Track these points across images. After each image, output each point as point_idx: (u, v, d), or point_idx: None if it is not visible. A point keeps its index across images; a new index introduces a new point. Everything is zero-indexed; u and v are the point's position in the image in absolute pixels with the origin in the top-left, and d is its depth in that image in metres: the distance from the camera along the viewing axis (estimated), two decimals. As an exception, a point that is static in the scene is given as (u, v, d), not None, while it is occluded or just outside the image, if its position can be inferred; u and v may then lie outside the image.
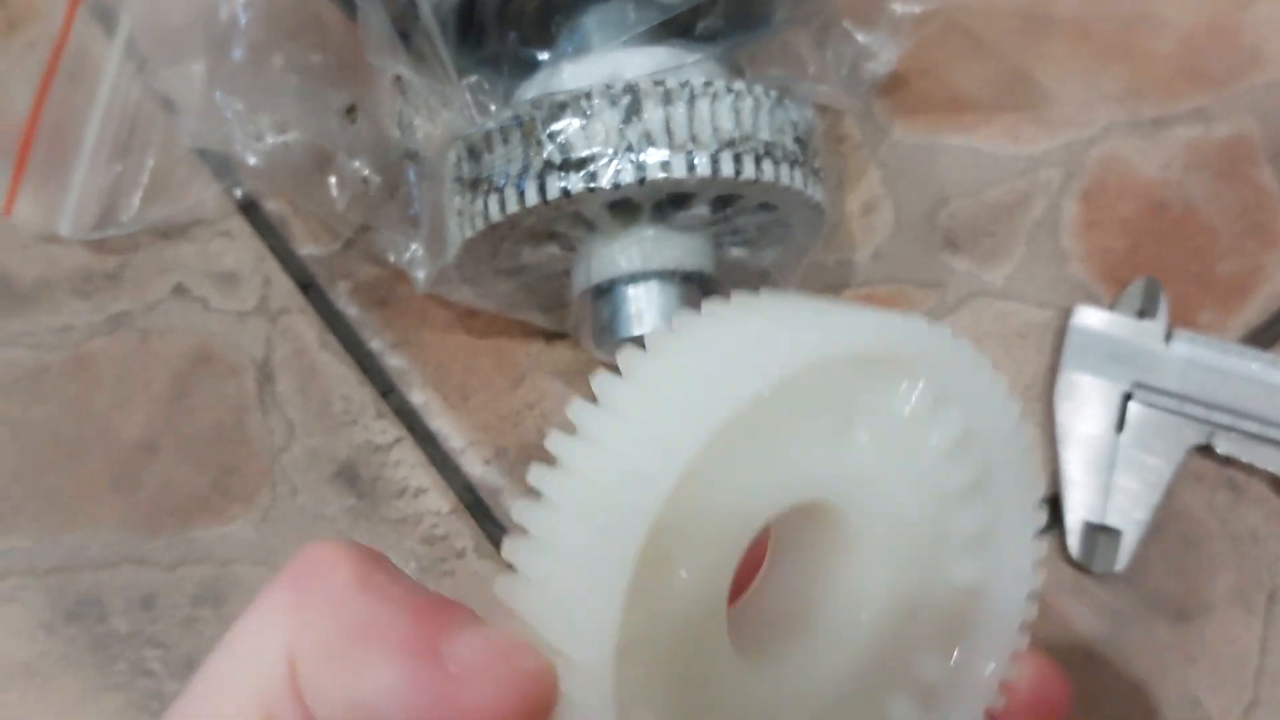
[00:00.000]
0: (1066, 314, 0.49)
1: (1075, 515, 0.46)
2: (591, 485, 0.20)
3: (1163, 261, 0.50)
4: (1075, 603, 0.45)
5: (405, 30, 0.40)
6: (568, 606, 0.20)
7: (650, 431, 0.20)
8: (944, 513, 0.24)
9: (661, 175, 0.37)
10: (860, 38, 0.47)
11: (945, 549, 0.24)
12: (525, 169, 0.38)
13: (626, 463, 0.20)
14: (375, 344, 0.48)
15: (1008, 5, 0.54)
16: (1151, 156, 0.52)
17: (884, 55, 0.47)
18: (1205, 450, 0.47)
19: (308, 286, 0.49)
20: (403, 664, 0.20)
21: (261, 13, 0.44)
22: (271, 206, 0.50)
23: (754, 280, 0.45)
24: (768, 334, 0.22)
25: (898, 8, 0.46)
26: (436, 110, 0.41)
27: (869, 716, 0.24)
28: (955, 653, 0.24)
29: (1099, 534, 0.45)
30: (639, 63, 0.40)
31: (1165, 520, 0.46)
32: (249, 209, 0.50)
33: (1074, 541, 0.45)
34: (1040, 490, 0.24)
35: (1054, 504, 0.46)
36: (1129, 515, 0.46)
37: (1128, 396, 0.47)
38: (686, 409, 0.20)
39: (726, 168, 0.38)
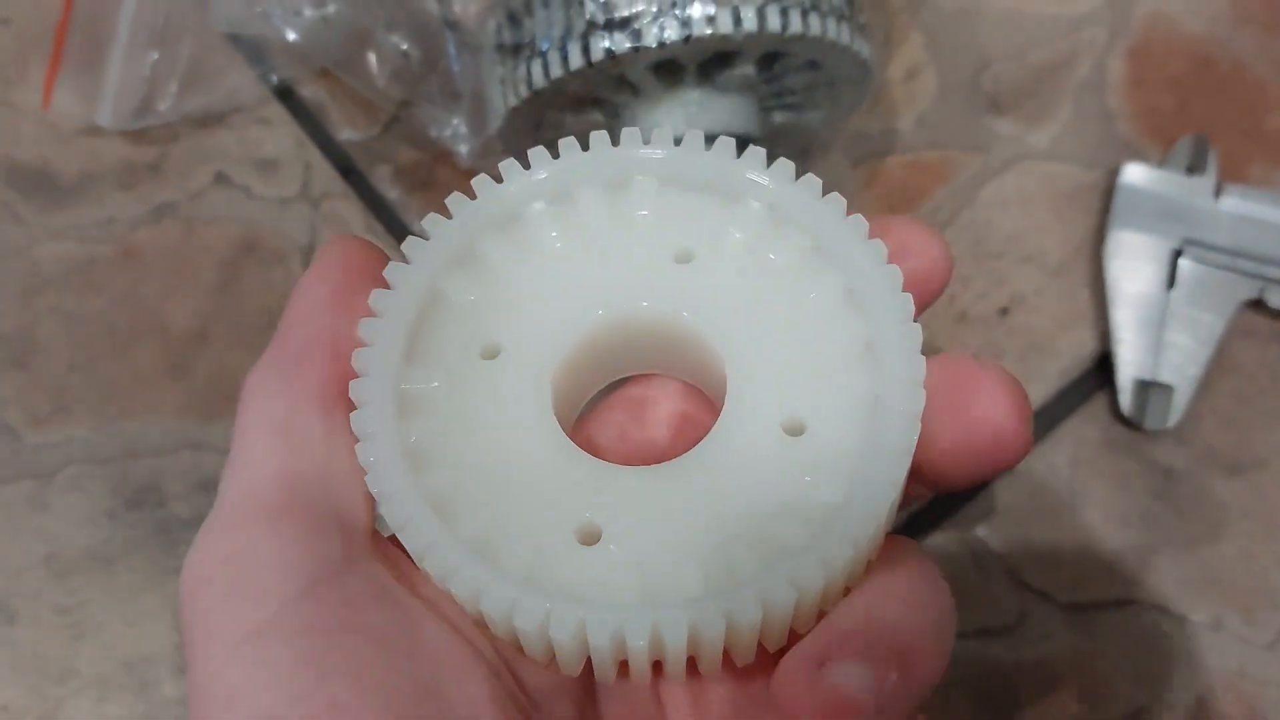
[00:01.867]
0: (1114, 174, 0.48)
1: (1127, 373, 0.46)
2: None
3: (1211, 117, 0.50)
4: (1128, 459, 0.45)
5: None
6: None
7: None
8: (820, 328, 0.24)
9: (707, 31, 0.37)
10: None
11: (827, 364, 0.24)
12: (568, 31, 0.38)
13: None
14: (418, 226, 0.48)
15: None
16: (1198, 12, 0.51)
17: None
18: (1257, 305, 0.47)
19: (348, 171, 0.49)
20: None
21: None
22: (308, 92, 0.50)
23: (798, 142, 0.45)
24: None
25: None
26: (476, -24, 0.40)
27: (751, 538, 0.23)
28: (832, 489, 0.23)
29: (1151, 390, 0.45)
30: (680, -80, 0.39)
31: (1217, 375, 0.46)
32: (285, 95, 0.50)
33: (1126, 399, 0.45)
34: (910, 307, 0.23)
35: (1105, 362, 0.46)
36: (1181, 371, 0.46)
37: (1178, 253, 0.47)
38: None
39: (773, 21, 0.37)
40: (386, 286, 0.24)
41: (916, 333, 0.23)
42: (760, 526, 0.23)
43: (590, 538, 0.23)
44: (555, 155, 0.25)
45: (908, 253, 0.24)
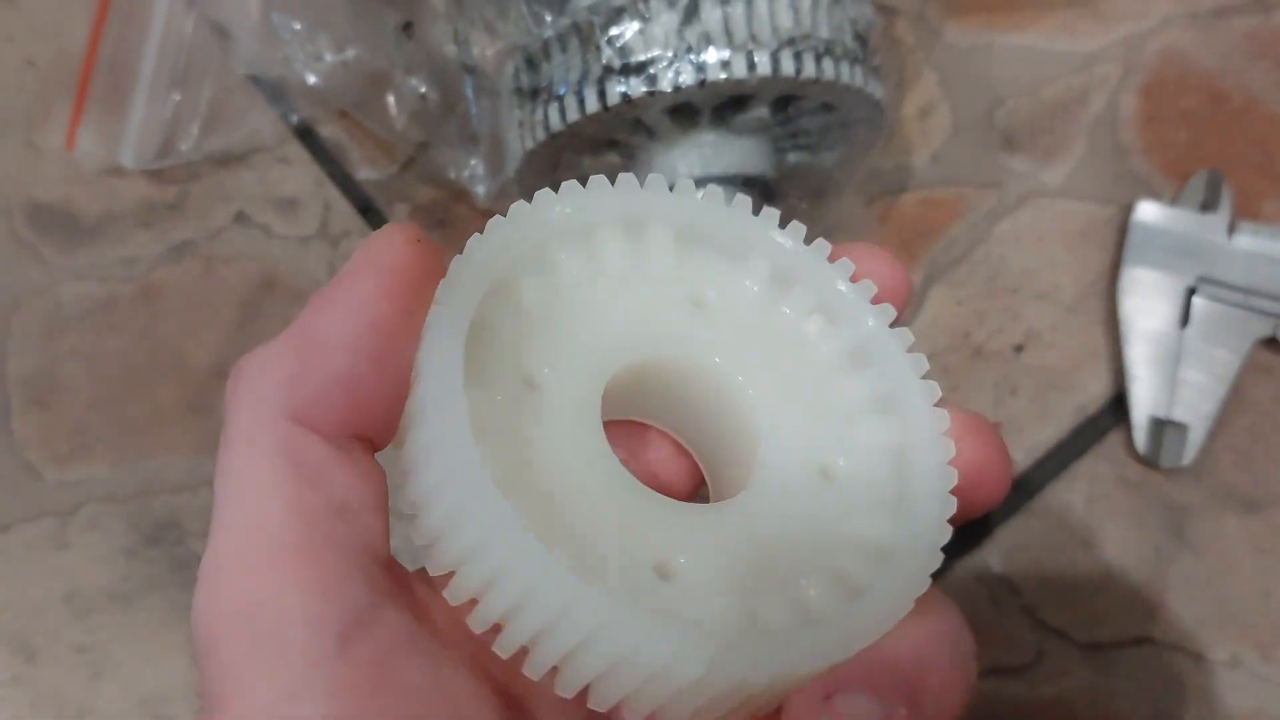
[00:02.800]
0: (1128, 210, 0.48)
1: (1141, 410, 0.46)
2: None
3: (1225, 153, 0.50)
4: (1144, 497, 0.45)
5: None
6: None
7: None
8: (833, 381, 0.26)
9: (722, 75, 0.37)
10: (913, -65, 0.46)
11: (845, 414, 0.25)
12: (585, 75, 0.38)
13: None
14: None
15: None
16: (1210, 48, 0.51)
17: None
18: (1271, 342, 0.47)
19: (367, 210, 0.50)
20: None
21: (314, -67, 0.44)
22: (327, 132, 0.51)
23: (816, 181, 0.45)
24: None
25: (951, -97, 0.46)
26: (493, 23, 0.41)
27: (815, 568, 0.24)
28: (878, 526, 0.24)
29: (1166, 428, 0.45)
30: (694, -35, 0.40)
31: (1232, 413, 0.46)
32: (305, 135, 0.51)
33: (1140, 437, 0.45)
34: (924, 365, 0.25)
35: (1120, 399, 0.46)
36: (1195, 409, 0.46)
37: (1192, 290, 0.47)
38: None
39: (787, 66, 0.38)
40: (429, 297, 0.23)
41: (935, 388, 0.25)
42: (818, 560, 0.24)
43: (666, 573, 0.23)
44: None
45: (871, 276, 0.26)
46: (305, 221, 0.50)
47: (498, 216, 0.25)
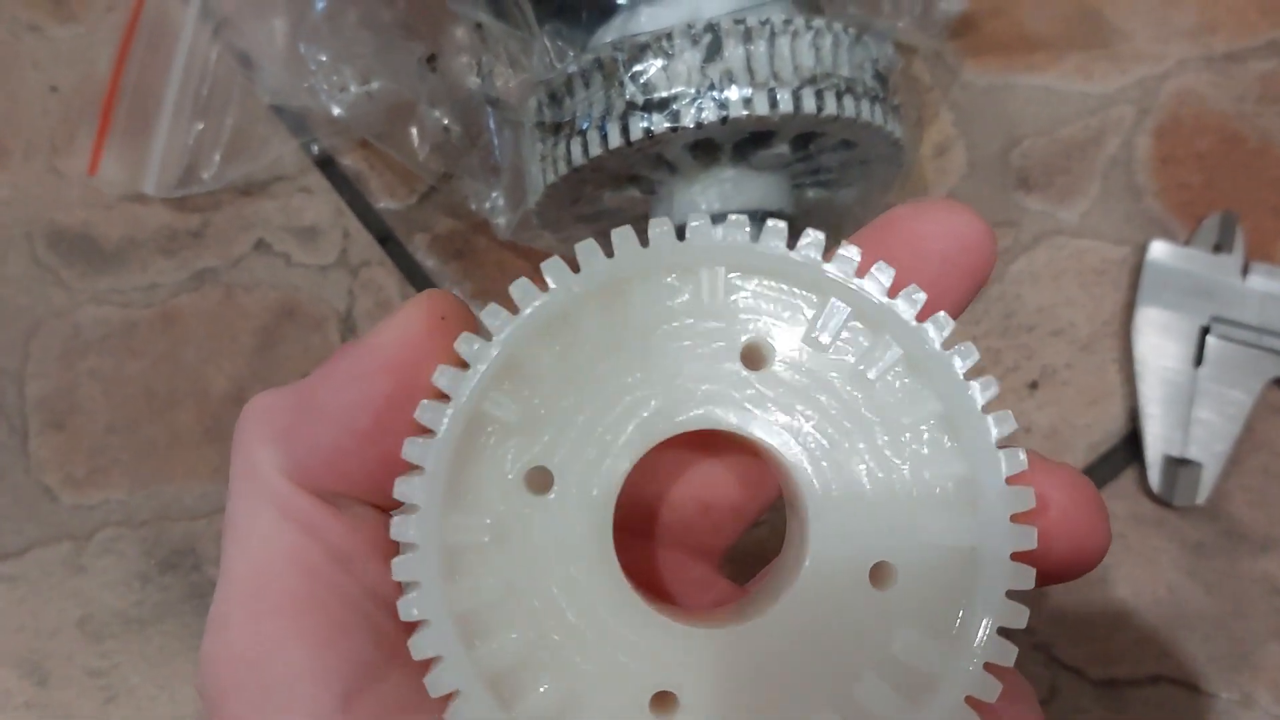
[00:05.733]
0: (1142, 250, 0.49)
1: (1155, 449, 0.46)
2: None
3: (1239, 195, 0.50)
4: (1157, 536, 0.45)
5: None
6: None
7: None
8: (908, 459, 0.22)
9: (744, 112, 0.38)
10: (933, -24, 0.47)
11: (918, 501, 0.22)
12: (608, 111, 0.39)
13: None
14: (454, 294, 0.49)
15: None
16: (1225, 90, 0.52)
17: (957, -7, 0.47)
18: (1285, 382, 0.47)
19: (386, 239, 0.50)
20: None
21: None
22: (348, 162, 0.51)
23: (834, 219, 0.45)
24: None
25: (970, -54, 0.46)
26: (516, 57, 0.41)
27: (833, 698, 0.22)
28: (938, 627, 0.22)
29: (1179, 467, 0.46)
30: (717, 2, 0.40)
31: (1245, 452, 0.46)
32: (326, 165, 0.51)
33: (1154, 475, 0.46)
34: (1009, 424, 0.22)
35: (1134, 437, 0.46)
36: (1209, 448, 0.46)
37: (1205, 330, 0.47)
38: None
39: (809, 103, 0.38)
40: (464, 364, 0.22)
41: (1019, 458, 0.21)
42: (845, 689, 0.22)
43: (666, 707, 0.22)
44: (607, 250, 0.22)
45: (946, 236, 0.23)
46: (325, 250, 0.50)
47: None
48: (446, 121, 0.44)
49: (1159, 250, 0.48)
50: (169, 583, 0.46)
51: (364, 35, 0.43)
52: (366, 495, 0.23)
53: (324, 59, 0.43)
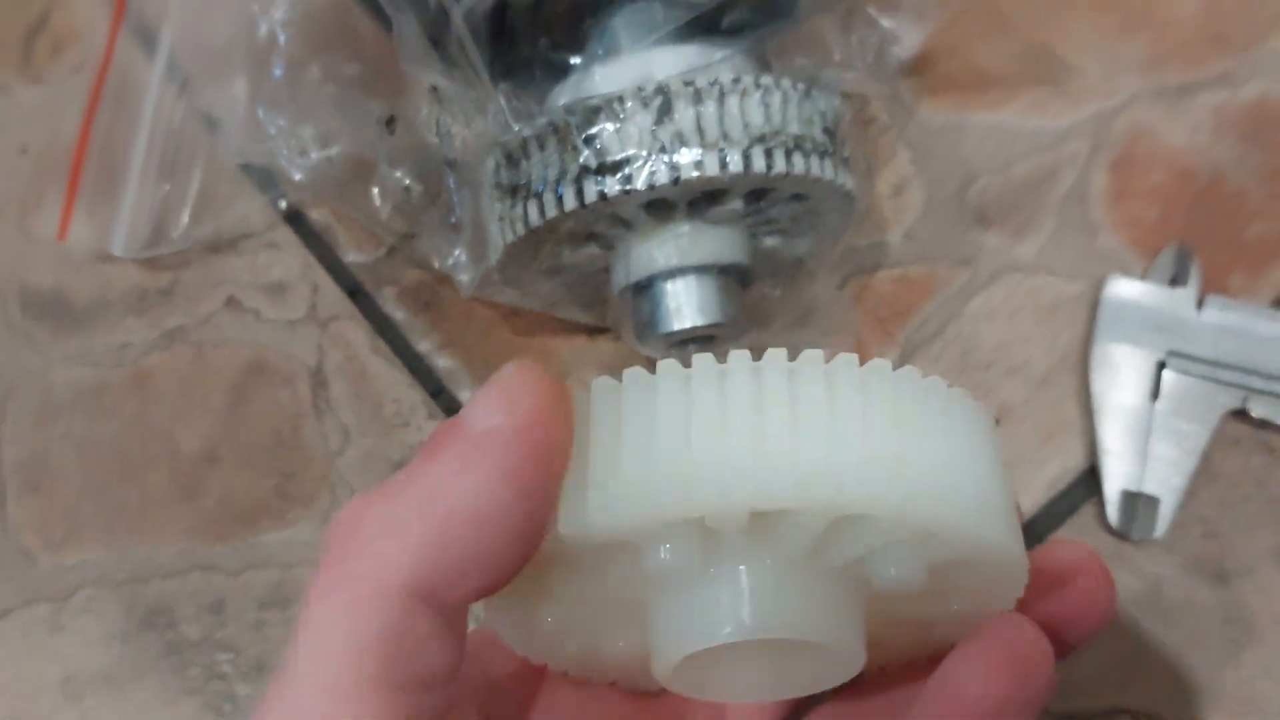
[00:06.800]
0: (1099, 285, 0.50)
1: (1113, 484, 0.47)
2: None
3: (1193, 228, 0.51)
4: (1116, 570, 0.46)
5: (438, 39, 0.42)
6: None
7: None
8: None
9: (695, 174, 0.38)
10: (884, 23, 0.47)
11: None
12: (562, 174, 0.39)
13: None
14: (423, 346, 0.50)
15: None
16: (1178, 124, 0.53)
17: (908, 39, 0.48)
18: (1240, 414, 0.48)
19: (355, 292, 0.51)
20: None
21: (300, 29, 0.45)
22: (316, 216, 0.52)
23: (790, 267, 0.46)
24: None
25: (919, -8, 0.47)
26: (473, 118, 0.42)
27: None
28: None
29: (1137, 501, 0.46)
30: (669, 62, 0.41)
31: (1202, 485, 0.47)
32: (294, 219, 0.52)
33: (1113, 511, 0.46)
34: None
35: (1093, 473, 0.47)
36: (1166, 482, 0.47)
37: (1162, 365, 0.48)
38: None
39: (758, 163, 0.39)
40: (566, 446, 0.23)
41: None
42: None
43: None
44: None
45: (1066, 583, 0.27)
46: (294, 305, 0.51)
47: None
48: (407, 181, 0.44)
49: (1114, 286, 0.49)
50: (146, 641, 0.46)
51: (323, 99, 0.44)
52: (492, 591, 0.23)
53: (283, 124, 0.43)
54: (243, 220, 0.51)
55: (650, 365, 0.24)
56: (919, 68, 0.53)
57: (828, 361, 0.24)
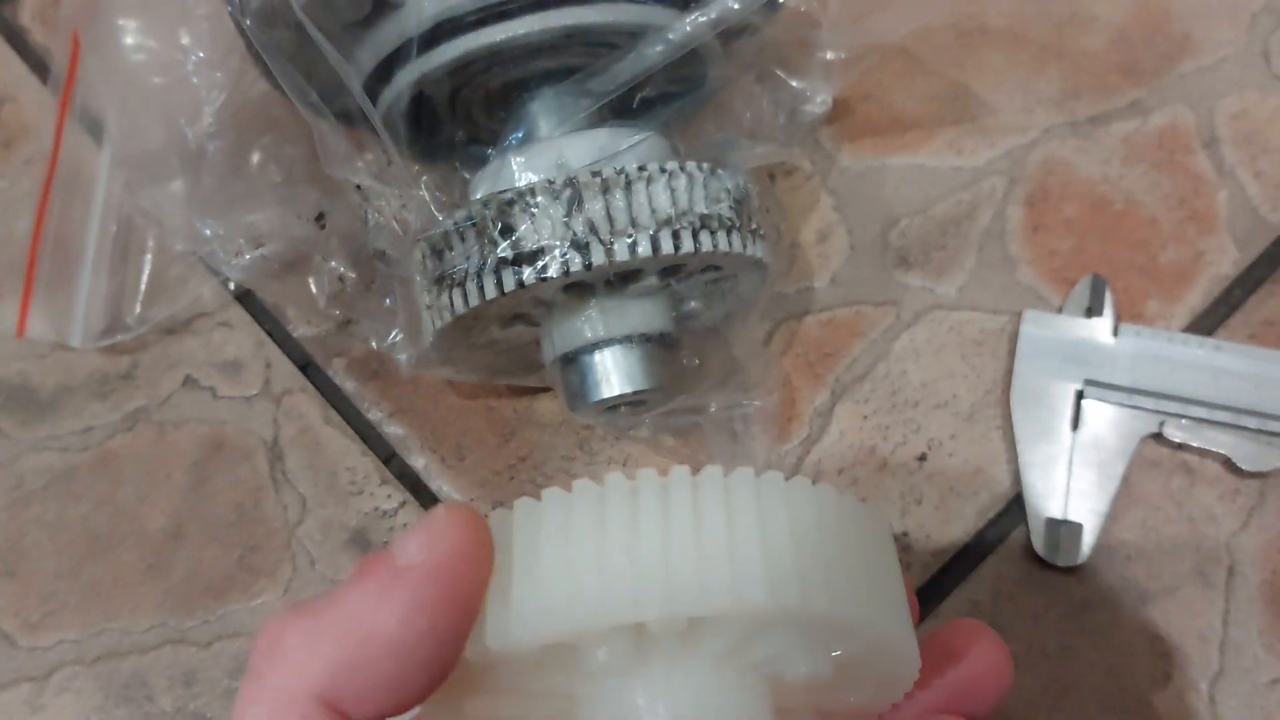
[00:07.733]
0: (1019, 318, 0.52)
1: (1037, 513, 0.49)
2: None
3: (1107, 257, 0.53)
4: (1043, 595, 0.48)
5: (360, 140, 0.44)
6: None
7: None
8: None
9: (606, 260, 0.40)
10: (794, 84, 0.49)
11: None
12: (483, 265, 0.41)
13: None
14: (374, 414, 0.52)
15: (940, 22, 0.56)
16: (1091, 155, 0.55)
17: (819, 98, 0.49)
18: (1158, 437, 0.50)
19: (306, 366, 0.53)
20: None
21: (232, 126, 0.47)
22: (265, 294, 0.54)
23: (709, 333, 0.48)
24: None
25: (827, 54, 0.49)
26: (398, 211, 0.44)
27: None
28: None
29: (1061, 528, 0.48)
30: (581, 149, 0.43)
31: (1124, 508, 0.49)
32: (245, 298, 0.54)
33: (1038, 539, 0.48)
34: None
35: (1020, 501, 0.49)
36: (1089, 507, 0.49)
37: (1080, 394, 0.50)
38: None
39: (666, 245, 0.41)
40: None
41: None
42: None
43: None
44: None
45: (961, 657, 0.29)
46: (249, 382, 0.53)
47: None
48: (342, 270, 0.46)
49: (1032, 319, 0.51)
50: (124, 716, 0.49)
51: (257, 201, 0.46)
52: (401, 711, 0.25)
53: (220, 230, 0.45)
54: (196, 301, 0.53)
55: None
56: (837, 114, 0.55)
57: (726, 476, 0.26)
